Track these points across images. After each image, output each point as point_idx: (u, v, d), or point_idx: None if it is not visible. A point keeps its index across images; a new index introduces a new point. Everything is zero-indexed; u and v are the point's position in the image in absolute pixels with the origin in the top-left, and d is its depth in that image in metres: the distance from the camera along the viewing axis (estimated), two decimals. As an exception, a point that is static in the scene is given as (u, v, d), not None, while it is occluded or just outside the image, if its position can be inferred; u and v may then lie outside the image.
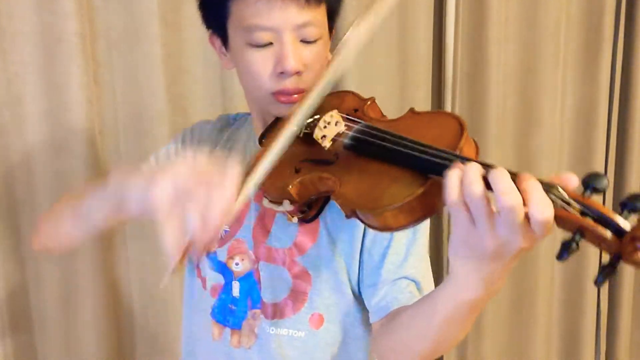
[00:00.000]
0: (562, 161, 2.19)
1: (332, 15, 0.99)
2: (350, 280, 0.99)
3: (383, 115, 0.96)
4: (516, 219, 0.59)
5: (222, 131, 1.15)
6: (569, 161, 2.22)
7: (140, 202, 0.76)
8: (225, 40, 0.99)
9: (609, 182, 0.64)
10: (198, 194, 0.69)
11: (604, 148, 2.23)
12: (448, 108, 1.99)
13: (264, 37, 0.91)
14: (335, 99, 1.00)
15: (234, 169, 0.71)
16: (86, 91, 1.51)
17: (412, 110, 0.88)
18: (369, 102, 0.96)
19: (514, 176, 0.61)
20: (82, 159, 1.53)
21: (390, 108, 0.98)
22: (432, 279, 0.98)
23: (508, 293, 2.21)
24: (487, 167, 0.63)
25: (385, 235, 0.94)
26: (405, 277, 0.93)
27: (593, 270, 2.25)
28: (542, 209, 0.58)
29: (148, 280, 1.69)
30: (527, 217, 0.60)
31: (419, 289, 0.93)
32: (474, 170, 0.61)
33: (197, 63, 1.64)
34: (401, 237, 0.94)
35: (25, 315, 1.60)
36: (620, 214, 0.61)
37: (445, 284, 0.73)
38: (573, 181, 0.62)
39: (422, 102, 1.93)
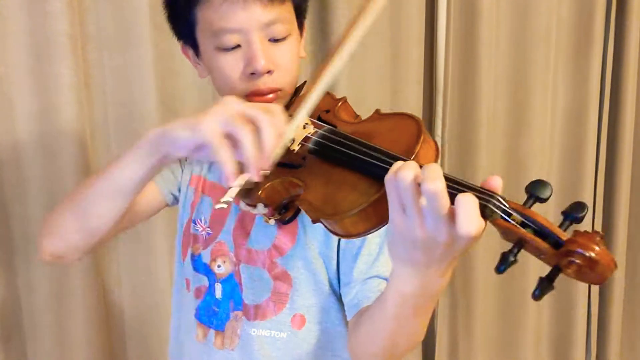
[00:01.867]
0: (552, 163, 2.20)
1: (300, 12, 1.00)
2: (329, 280, 1.00)
3: (356, 116, 0.95)
4: (438, 207, 0.59)
5: None
6: (559, 163, 2.23)
7: (189, 143, 0.76)
8: (196, 49, 0.99)
9: (552, 190, 0.62)
10: (248, 124, 0.72)
11: (594, 150, 2.23)
12: (439, 110, 2.00)
13: (231, 39, 0.92)
14: None
15: (279, 108, 0.75)
16: (76, 92, 1.51)
17: (377, 112, 0.88)
18: (340, 103, 0.95)
19: (456, 186, 0.62)
20: (72, 160, 1.53)
21: (382, 110, 0.98)
22: None
23: (498, 295, 2.22)
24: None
25: None
26: (377, 276, 0.94)
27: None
28: (469, 220, 0.58)
29: (140, 285, 1.69)
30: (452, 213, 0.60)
31: None
32: (413, 163, 0.63)
33: (188, 64, 1.61)
34: (374, 237, 0.94)
35: (16, 321, 1.59)
36: (562, 224, 0.61)
37: (390, 278, 0.75)
38: (497, 183, 0.63)
39: (414, 105, 1.93)
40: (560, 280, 0.60)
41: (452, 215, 0.60)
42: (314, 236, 0.98)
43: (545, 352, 2.37)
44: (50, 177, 1.53)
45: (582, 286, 2.30)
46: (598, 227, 2.32)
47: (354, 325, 0.93)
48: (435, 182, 0.59)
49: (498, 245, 0.63)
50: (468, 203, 0.59)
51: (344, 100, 0.96)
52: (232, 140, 0.72)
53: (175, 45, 1.60)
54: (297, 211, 0.93)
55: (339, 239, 0.97)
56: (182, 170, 1.13)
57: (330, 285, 1.00)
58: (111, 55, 1.57)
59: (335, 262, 0.98)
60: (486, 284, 2.16)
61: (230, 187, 0.72)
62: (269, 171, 0.75)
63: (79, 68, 1.51)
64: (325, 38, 1.77)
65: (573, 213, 0.60)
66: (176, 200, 1.14)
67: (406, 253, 0.67)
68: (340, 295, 1.00)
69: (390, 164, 0.68)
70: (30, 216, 1.54)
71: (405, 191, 0.62)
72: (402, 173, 0.62)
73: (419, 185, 0.61)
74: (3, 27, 1.45)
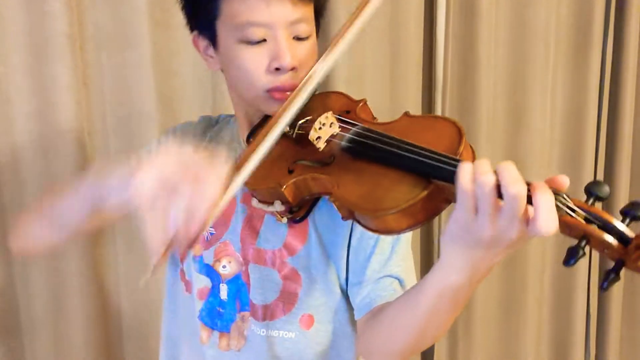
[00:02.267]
0: (551, 162, 2.20)
1: (319, 14, 1.00)
2: (339, 279, 1.00)
3: (374, 118, 0.96)
4: (518, 209, 0.62)
5: (205, 131, 1.14)
6: (559, 162, 2.23)
7: (120, 196, 0.73)
8: (213, 40, 0.98)
9: (609, 191, 0.67)
10: (183, 187, 0.68)
11: (593, 149, 2.23)
12: (438, 109, 1.99)
13: (257, 33, 0.91)
14: (326, 99, 1.00)
15: (221, 164, 0.70)
16: (75, 92, 1.50)
17: (406, 114, 0.89)
18: (360, 104, 0.96)
19: (528, 185, 0.63)
20: (70, 160, 1.52)
21: (381, 109, 0.99)
22: (415, 276, 0.99)
23: (498, 294, 2.21)
24: None
25: (371, 235, 0.94)
26: (389, 275, 0.94)
27: (582, 272, 2.26)
28: (550, 220, 0.61)
29: (137, 282, 1.68)
30: (526, 214, 0.63)
31: (402, 286, 0.94)
32: (486, 162, 0.65)
33: (187, 64, 1.63)
34: (386, 237, 0.94)
35: (13, 318, 1.59)
36: (623, 221, 0.63)
37: (432, 270, 0.75)
38: (565, 181, 0.66)
39: (412, 104, 1.93)
40: (559, 280, 0.61)
41: (526, 214, 0.62)
42: (324, 235, 0.98)
43: (545, 352, 2.37)
44: (49, 177, 1.52)
45: (582, 286, 2.30)
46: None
47: (368, 324, 0.92)
48: (517, 186, 0.61)
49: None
50: (549, 202, 0.61)
51: (364, 101, 0.97)
52: (162, 203, 0.68)
53: (174, 43, 1.62)
54: (309, 210, 0.93)
55: (350, 238, 0.97)
56: None
57: (339, 285, 1.00)
58: (110, 55, 1.57)
59: (345, 261, 0.98)
60: (486, 284, 2.16)
61: (155, 262, 0.69)
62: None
63: (78, 68, 1.50)
64: (325, 39, 1.77)
65: (633, 211, 0.63)
66: None
67: (467, 249, 0.68)
68: (348, 294, 1.00)
69: (442, 161, 0.70)
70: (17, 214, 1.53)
71: (486, 195, 0.63)
72: (483, 177, 0.63)
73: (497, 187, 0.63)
74: (1, 27, 1.45)
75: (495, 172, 0.64)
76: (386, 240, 0.95)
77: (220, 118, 1.17)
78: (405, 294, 0.85)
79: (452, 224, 0.68)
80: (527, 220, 0.63)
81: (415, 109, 1.95)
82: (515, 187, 0.61)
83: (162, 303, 1.66)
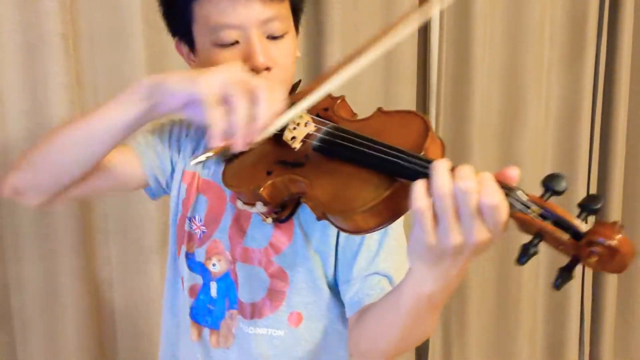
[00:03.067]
0: (546, 160, 2.20)
1: (296, 11, 1.00)
2: (326, 276, 1.00)
3: (353, 114, 0.96)
4: (470, 203, 0.61)
5: (195, 133, 1.14)
6: (553, 160, 2.23)
7: (183, 95, 0.76)
8: (192, 45, 0.99)
9: (567, 183, 0.64)
10: (247, 93, 0.72)
11: (587, 148, 2.24)
12: (433, 108, 2.00)
13: (230, 35, 0.92)
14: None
15: (280, 91, 0.76)
16: (68, 91, 1.50)
17: (379, 110, 0.89)
18: (339, 101, 0.96)
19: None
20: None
21: (374, 108, 0.98)
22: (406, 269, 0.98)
23: (493, 294, 2.22)
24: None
25: None
26: (377, 273, 0.94)
27: (577, 271, 2.26)
28: (491, 194, 0.60)
29: (130, 281, 1.68)
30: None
31: (391, 283, 0.94)
32: (443, 173, 0.63)
33: (180, 63, 1.62)
34: (373, 233, 0.94)
35: (6, 317, 1.59)
36: (579, 216, 0.62)
37: (406, 278, 0.75)
38: (513, 174, 0.64)
39: (407, 102, 1.94)
40: (553, 281, 0.61)
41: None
42: (310, 233, 0.98)
43: (539, 353, 2.37)
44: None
45: (576, 287, 2.31)
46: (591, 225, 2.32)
47: (358, 322, 0.93)
48: (467, 182, 0.61)
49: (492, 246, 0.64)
50: (489, 180, 0.61)
51: (342, 98, 0.97)
52: (227, 105, 0.73)
53: (168, 43, 1.60)
54: (294, 210, 0.93)
55: (337, 236, 0.97)
56: (172, 162, 1.11)
57: (328, 282, 1.00)
58: (103, 54, 1.57)
59: (333, 259, 0.98)
60: (480, 285, 2.16)
61: (210, 149, 0.73)
62: (253, 144, 0.76)
63: (71, 67, 1.50)
64: (320, 37, 1.77)
65: (589, 205, 0.62)
66: (159, 185, 1.10)
67: (434, 263, 0.67)
68: (337, 292, 1.00)
69: (404, 159, 0.69)
70: (20, 215, 1.53)
71: (445, 203, 0.62)
72: (440, 190, 0.62)
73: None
74: (-5, 26, 1.45)
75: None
76: (372, 237, 0.95)
77: None
78: (388, 295, 0.85)
79: (413, 243, 0.68)
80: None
81: (410, 107, 1.95)
82: (467, 182, 0.61)
83: (155, 302, 1.67)
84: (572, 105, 2.19)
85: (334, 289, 1.00)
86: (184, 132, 1.13)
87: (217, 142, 0.72)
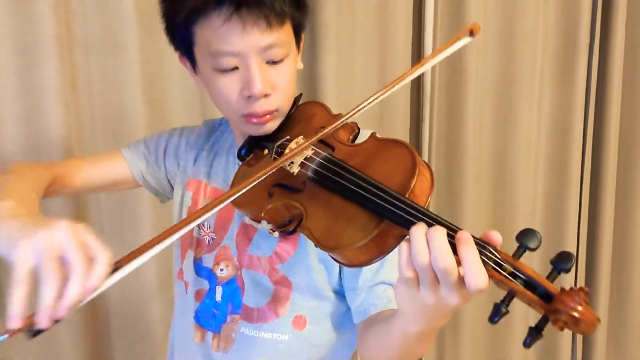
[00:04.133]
0: (538, 170, 2.21)
1: (298, 30, 0.99)
2: (331, 284, 1.00)
3: (352, 131, 0.95)
4: (450, 278, 0.63)
5: (209, 136, 1.16)
6: (545, 170, 2.24)
7: (2, 252, 0.72)
8: (193, 64, 0.99)
9: (541, 240, 0.66)
10: (60, 271, 0.65)
11: (579, 156, 2.25)
12: (426, 116, 2.00)
13: (229, 62, 0.91)
14: (305, 113, 1.00)
15: (105, 261, 0.68)
16: (63, 95, 1.50)
17: (373, 136, 0.88)
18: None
19: (452, 234, 0.64)
20: (58, 163, 1.51)
21: (369, 115, 0.98)
22: None
23: (485, 299, 2.22)
24: (430, 221, 0.67)
25: None
26: (383, 282, 0.94)
27: (569, 274, 2.27)
28: (476, 276, 0.62)
29: (125, 286, 1.68)
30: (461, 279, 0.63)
31: None
32: (421, 240, 0.64)
33: (175, 67, 1.63)
34: None
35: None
36: (550, 275, 0.64)
37: (395, 316, 0.79)
38: (497, 238, 0.66)
39: (401, 110, 1.94)
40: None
41: (461, 277, 0.63)
42: None
43: (532, 353, 2.38)
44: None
45: (568, 287, 2.30)
46: (584, 235, 2.34)
47: (364, 333, 0.94)
48: (445, 260, 0.62)
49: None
50: (472, 259, 0.62)
51: (340, 116, 0.95)
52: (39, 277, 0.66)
53: (162, 47, 1.59)
54: (300, 223, 0.93)
55: None
56: (169, 177, 1.16)
57: (333, 289, 1.00)
58: (98, 58, 1.57)
59: (337, 268, 0.99)
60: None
61: (7, 331, 0.64)
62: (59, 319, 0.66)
63: (66, 71, 1.50)
64: (315, 47, 1.78)
65: (561, 264, 0.63)
66: (148, 184, 1.17)
67: (417, 311, 0.71)
68: (342, 296, 1.00)
69: (389, 202, 0.70)
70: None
71: (424, 272, 0.64)
72: (420, 259, 0.64)
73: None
74: (-11, 29, 1.44)
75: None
76: None
77: (223, 121, 1.18)
78: (385, 320, 0.87)
79: (397, 295, 0.71)
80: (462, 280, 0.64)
81: (404, 115, 1.96)
82: (443, 261, 0.62)
83: (150, 304, 1.67)
84: (565, 112, 2.21)
85: (339, 294, 1.01)
86: (183, 142, 1.16)
87: (17, 323, 0.63)
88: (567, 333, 2.35)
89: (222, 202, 0.76)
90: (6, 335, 0.64)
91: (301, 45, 1.03)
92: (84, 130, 1.58)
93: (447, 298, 0.65)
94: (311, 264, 0.98)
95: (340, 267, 0.98)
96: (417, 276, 0.66)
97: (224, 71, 0.92)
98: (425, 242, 0.64)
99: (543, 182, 2.24)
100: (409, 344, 0.79)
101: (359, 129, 0.96)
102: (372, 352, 0.90)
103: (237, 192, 0.77)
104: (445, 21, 1.97)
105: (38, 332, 0.64)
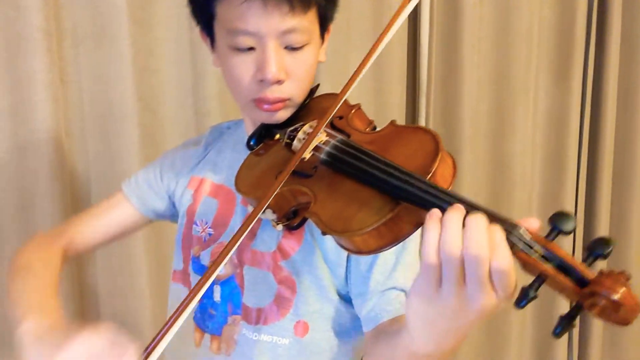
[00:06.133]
0: (535, 164, 2.20)
1: (324, 21, 0.96)
2: (336, 287, 0.96)
3: (369, 122, 0.93)
4: (480, 271, 0.57)
5: (214, 140, 1.14)
6: (542, 164, 2.24)
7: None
8: (212, 40, 0.97)
9: (576, 223, 0.60)
10: None
11: (576, 152, 2.25)
12: (422, 111, 1.99)
13: (245, 41, 0.89)
14: (320, 103, 0.97)
15: (133, 354, 0.69)
16: (51, 90, 1.47)
17: (392, 123, 0.85)
18: (354, 110, 0.92)
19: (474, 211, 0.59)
20: (47, 160, 1.48)
21: (366, 110, 0.96)
22: None
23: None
24: (468, 207, 0.61)
25: None
26: (395, 288, 0.90)
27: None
28: (503, 258, 0.57)
29: (117, 288, 1.65)
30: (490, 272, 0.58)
31: None
32: (454, 229, 0.59)
33: (167, 62, 1.61)
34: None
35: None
36: (586, 259, 0.58)
37: (401, 332, 0.72)
38: (534, 224, 0.60)
39: (397, 106, 1.93)
40: (544, 287, 0.58)
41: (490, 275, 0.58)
42: (321, 242, 0.95)
43: (528, 353, 2.37)
44: (23, 177, 1.48)
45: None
46: (580, 228, 2.33)
47: (372, 341, 0.89)
48: (481, 249, 0.57)
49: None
50: (500, 239, 0.57)
51: (358, 107, 0.93)
52: None
53: (154, 42, 1.59)
54: (305, 218, 0.90)
55: None
56: (170, 195, 1.15)
57: (337, 291, 0.96)
58: (88, 51, 1.54)
59: (343, 269, 0.95)
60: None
61: None
62: None
63: (54, 64, 1.47)
64: (346, 34, 1.76)
65: (598, 249, 0.58)
66: (162, 214, 1.16)
67: (430, 323, 0.64)
68: (346, 301, 0.97)
69: (409, 183, 0.66)
70: (3, 217, 1.50)
71: (451, 266, 0.58)
72: (449, 247, 0.58)
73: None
74: (-26, 22, 1.41)
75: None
76: (389, 250, 0.93)
77: (231, 124, 1.16)
78: (391, 335, 0.81)
79: (413, 297, 0.64)
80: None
81: (400, 110, 1.94)
82: (477, 249, 0.57)
83: (141, 307, 1.65)
84: (561, 106, 2.20)
85: (342, 296, 0.97)
86: (178, 155, 1.15)
87: None
88: (563, 337, 2.34)
89: (250, 222, 0.77)
90: None
91: (326, 37, 0.99)
92: (73, 125, 1.56)
93: (471, 299, 0.58)
94: (316, 262, 0.95)
95: (347, 269, 0.94)
96: (441, 269, 0.59)
97: (240, 50, 0.90)
98: (460, 229, 0.58)
99: (540, 177, 2.24)
100: None
101: (375, 126, 0.93)
102: None
103: (262, 206, 0.77)
104: (441, 18, 1.95)
105: None
